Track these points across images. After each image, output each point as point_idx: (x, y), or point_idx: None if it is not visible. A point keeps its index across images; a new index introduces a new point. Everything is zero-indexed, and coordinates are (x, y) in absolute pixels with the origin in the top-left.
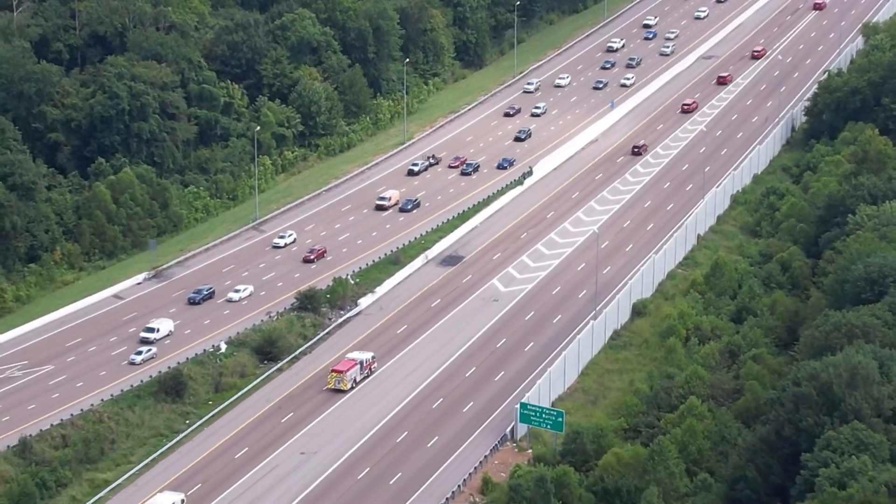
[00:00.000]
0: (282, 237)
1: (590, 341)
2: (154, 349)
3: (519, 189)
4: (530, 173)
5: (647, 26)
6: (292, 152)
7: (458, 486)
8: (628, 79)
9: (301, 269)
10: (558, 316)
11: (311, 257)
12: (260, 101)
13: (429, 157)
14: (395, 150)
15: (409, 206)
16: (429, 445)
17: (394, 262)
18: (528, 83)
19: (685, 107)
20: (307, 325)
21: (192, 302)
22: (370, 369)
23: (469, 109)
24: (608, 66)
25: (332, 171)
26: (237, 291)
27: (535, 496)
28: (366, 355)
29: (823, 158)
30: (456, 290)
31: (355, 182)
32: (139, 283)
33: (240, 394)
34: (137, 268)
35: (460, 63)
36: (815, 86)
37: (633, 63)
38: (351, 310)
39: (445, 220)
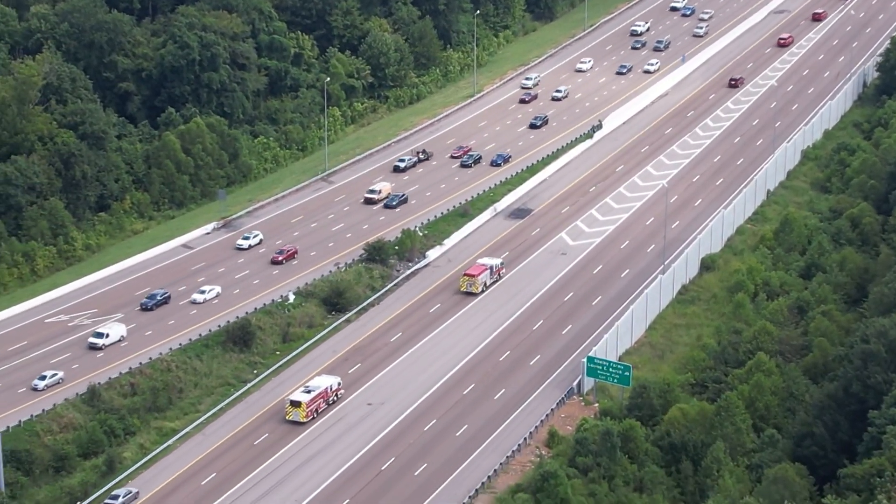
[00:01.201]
0: (246, 238)
1: (658, 296)
2: (60, 374)
3: (588, 143)
4: (600, 127)
5: None
6: (361, 104)
7: (524, 438)
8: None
9: (267, 270)
10: (626, 270)
11: (280, 258)
12: (330, 53)
13: (418, 153)
14: (464, 103)
15: (395, 203)
16: (495, 398)
17: (462, 214)
18: (527, 78)
19: (781, 40)
20: (375, 277)
21: (145, 308)
22: (499, 274)
23: (539, 62)
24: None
25: (401, 122)
26: (202, 293)
27: (601, 450)
28: (495, 261)
29: (895, 114)
30: (524, 242)
31: (424, 134)
32: (208, 233)
33: (307, 344)
34: (206, 218)
35: (531, 15)
36: (888, 41)
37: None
38: (419, 262)
39: (514, 174)
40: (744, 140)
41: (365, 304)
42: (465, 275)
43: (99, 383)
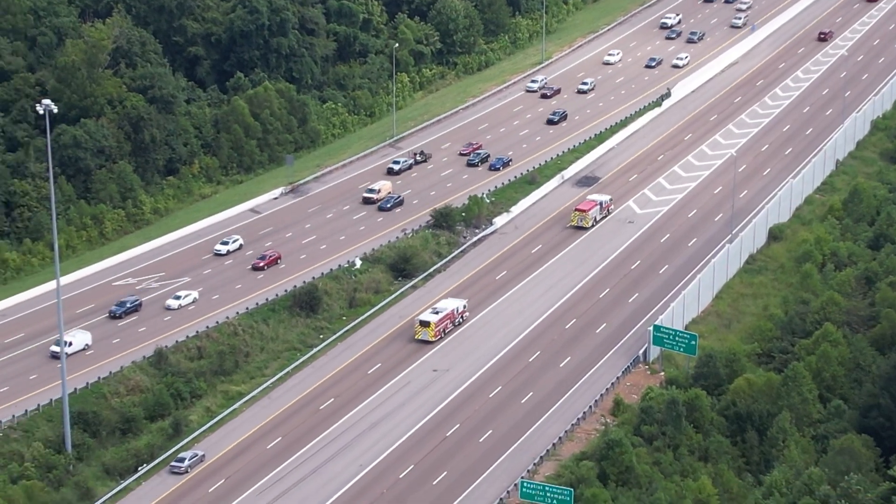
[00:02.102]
0: (224, 243)
1: (725, 265)
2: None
3: (657, 111)
4: (668, 95)
5: None
6: (430, 70)
7: (590, 406)
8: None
9: (247, 277)
10: (694, 239)
11: (261, 264)
12: (399, 18)
13: (415, 154)
14: (532, 70)
15: (390, 205)
16: (561, 366)
17: (530, 181)
18: (533, 80)
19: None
20: (442, 243)
21: (114, 315)
22: (608, 210)
23: (608, 30)
24: None
25: (470, 89)
26: (177, 298)
27: (667, 418)
28: (604, 197)
29: None
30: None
31: (492, 101)
32: (276, 198)
33: (373, 310)
34: (274, 182)
35: None
36: None
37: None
38: (486, 228)
39: (582, 141)
40: (813, 110)
41: (431, 270)
42: (576, 210)
43: (166, 346)
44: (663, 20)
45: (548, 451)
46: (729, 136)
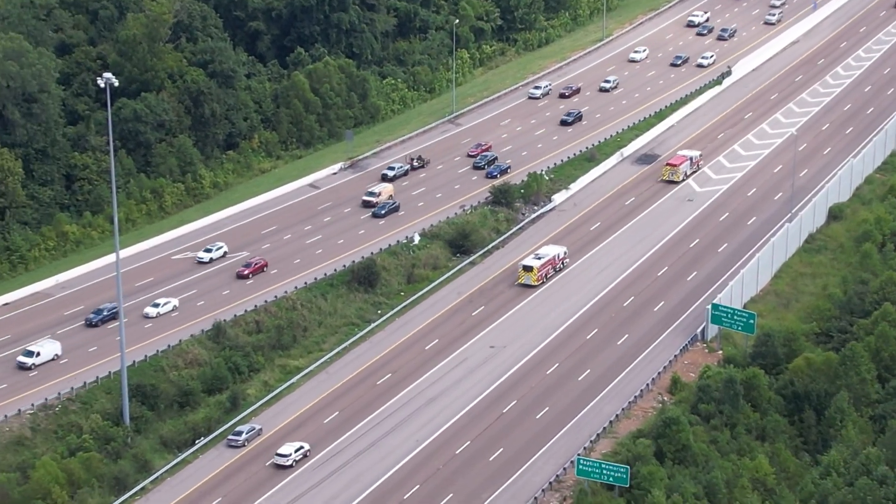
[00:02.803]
0: (208, 250)
1: (784, 244)
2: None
3: (717, 89)
4: (729, 73)
5: None
6: (490, 46)
7: (647, 384)
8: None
9: (232, 286)
10: (753, 218)
11: (246, 272)
12: None
13: (412, 159)
14: (592, 47)
15: (384, 211)
16: (618, 343)
17: (589, 158)
18: (536, 87)
19: None
20: (500, 220)
21: (90, 324)
22: (698, 165)
23: (669, 7)
24: None
25: (530, 65)
26: (155, 306)
27: (724, 397)
28: (694, 153)
29: None
30: (651, 188)
31: (552, 77)
32: (335, 173)
33: (431, 286)
34: (333, 158)
35: None
36: None
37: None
38: (545, 205)
39: (642, 118)
40: (875, 89)
41: (489, 246)
42: (667, 164)
43: (224, 320)
44: (690, 18)
45: (604, 428)
46: (789, 114)
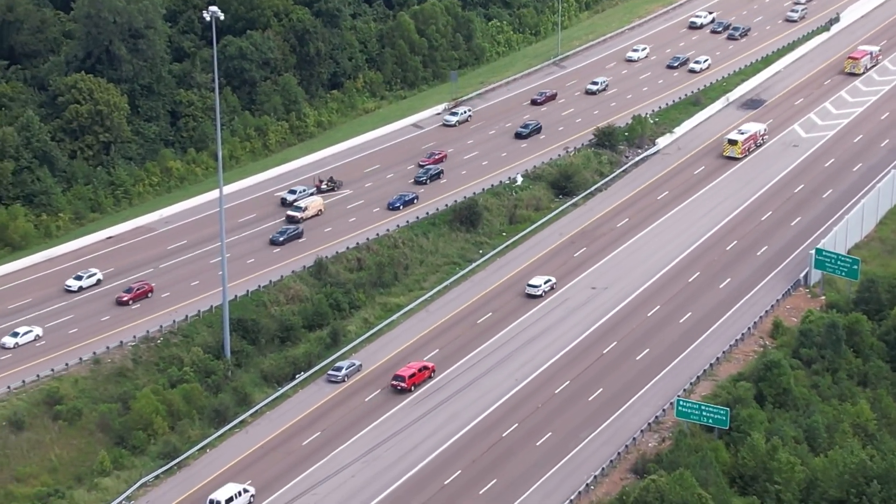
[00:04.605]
0: (78, 278)
1: (890, 191)
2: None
3: (825, 35)
4: (837, 20)
5: None
6: None
7: (749, 328)
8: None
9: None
10: (859, 164)
11: (126, 298)
12: None
13: (320, 181)
14: None
15: (282, 239)
16: (720, 287)
17: (694, 102)
18: (452, 112)
19: None
20: (604, 162)
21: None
22: (877, 60)
23: None
24: None
25: (636, 10)
26: (14, 336)
27: (826, 342)
28: (874, 48)
29: None
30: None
31: (658, 22)
32: (438, 114)
33: (533, 227)
34: (437, 99)
35: None
36: None
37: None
38: (648, 149)
39: (748, 64)
40: None
41: (592, 188)
42: (849, 58)
43: (326, 257)
44: (692, 19)
45: (704, 371)
46: None
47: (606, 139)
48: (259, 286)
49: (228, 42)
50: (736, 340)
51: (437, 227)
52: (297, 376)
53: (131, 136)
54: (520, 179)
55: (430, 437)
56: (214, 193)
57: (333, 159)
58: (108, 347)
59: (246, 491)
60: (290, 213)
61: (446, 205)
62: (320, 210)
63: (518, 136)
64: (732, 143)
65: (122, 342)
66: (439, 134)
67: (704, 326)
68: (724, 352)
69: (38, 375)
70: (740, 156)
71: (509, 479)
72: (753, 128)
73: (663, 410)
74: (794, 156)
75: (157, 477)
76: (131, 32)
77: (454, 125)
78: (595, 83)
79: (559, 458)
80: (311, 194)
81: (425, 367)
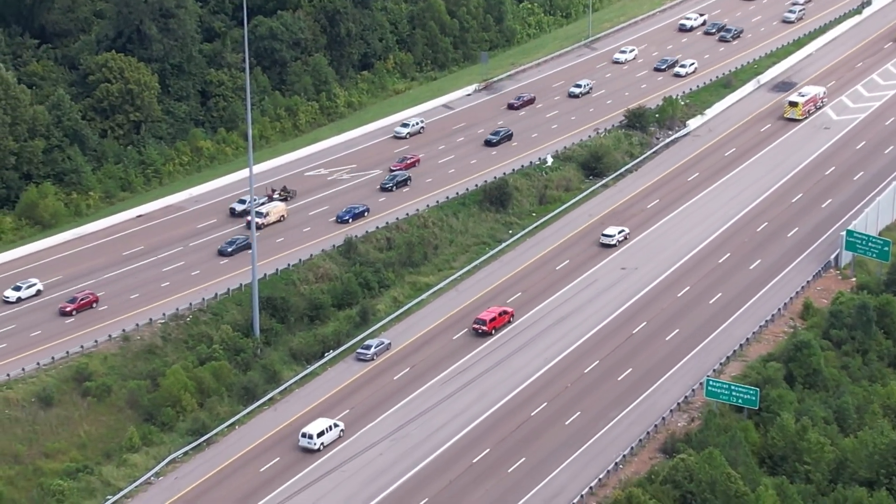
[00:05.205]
0: (16, 289)
1: None
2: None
3: (857, 18)
4: (869, 3)
5: None
6: None
7: (779, 309)
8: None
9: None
10: (890, 147)
11: (69, 309)
12: None
13: (273, 190)
14: None
15: (231, 249)
16: (750, 268)
17: (725, 84)
18: (404, 123)
19: None
20: (634, 144)
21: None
22: None
23: None
24: None
25: None
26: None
27: (857, 323)
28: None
29: None
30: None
31: (688, 5)
32: (469, 95)
33: (563, 207)
34: (468, 80)
35: None
36: None
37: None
38: (679, 130)
39: (779, 46)
40: None
41: (622, 170)
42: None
43: (355, 236)
44: (681, 22)
45: (734, 351)
46: None
47: (637, 120)
48: (289, 265)
49: (259, 22)
50: (766, 321)
51: (467, 207)
52: (325, 354)
53: (161, 116)
54: (550, 160)
55: (459, 417)
56: (244, 173)
57: (363, 139)
58: (137, 325)
59: (336, 425)
60: (250, 219)
61: (476, 185)
62: (282, 216)
63: (488, 143)
64: (793, 104)
65: (150, 320)
66: (469, 115)
67: (734, 307)
68: (753, 333)
69: (67, 352)
70: (801, 117)
71: (537, 459)
72: (813, 90)
73: (692, 390)
74: (826, 138)
75: (185, 453)
76: (162, 12)
77: (405, 137)
78: (578, 85)
79: (588, 438)
80: (262, 204)
81: (505, 312)
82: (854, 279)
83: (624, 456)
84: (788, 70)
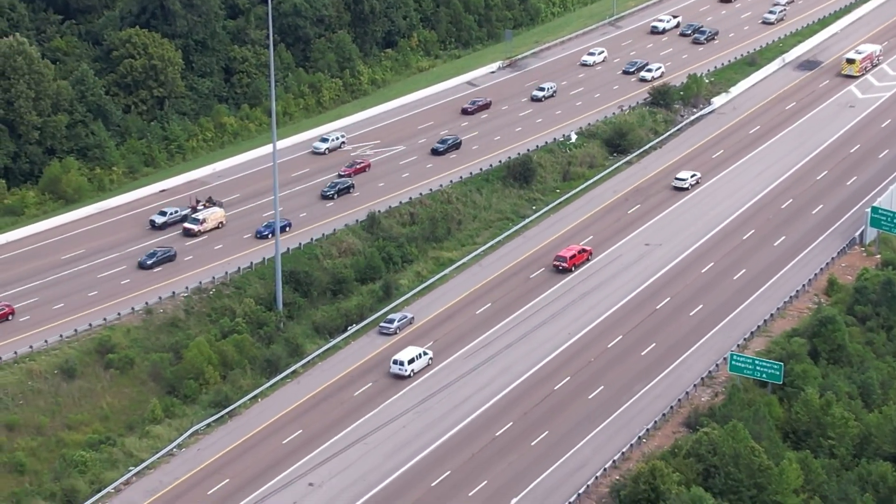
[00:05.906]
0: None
1: None
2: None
3: None
4: None
5: None
6: None
7: (804, 285)
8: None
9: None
10: None
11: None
12: None
13: (197, 201)
14: None
15: (151, 261)
16: (775, 245)
17: (750, 63)
18: (323, 138)
19: None
20: (658, 121)
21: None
22: None
23: None
24: None
25: None
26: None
27: (881, 299)
28: None
29: None
30: (812, 94)
31: None
32: (493, 72)
33: (587, 184)
34: (492, 58)
35: None
36: None
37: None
38: (704, 108)
39: (805, 25)
40: None
41: (647, 147)
42: None
43: (379, 211)
44: (654, 24)
45: (758, 327)
46: None
47: (661, 98)
48: (312, 239)
49: None
50: (790, 297)
51: (491, 182)
52: (349, 328)
53: (185, 92)
54: (574, 136)
55: (483, 390)
56: (267, 149)
57: (386, 116)
58: (160, 298)
59: (425, 353)
60: (187, 225)
61: (500, 161)
62: (221, 222)
63: (434, 152)
64: (850, 62)
65: (173, 293)
66: (493, 91)
67: (758, 283)
68: (778, 308)
69: (90, 324)
70: (857, 74)
71: (561, 432)
72: (870, 48)
73: (716, 365)
74: (851, 116)
75: (208, 425)
76: None
77: (323, 153)
78: (542, 89)
79: (611, 412)
80: (184, 217)
81: (584, 250)
82: (879, 255)
83: (647, 430)
84: (814, 49)
